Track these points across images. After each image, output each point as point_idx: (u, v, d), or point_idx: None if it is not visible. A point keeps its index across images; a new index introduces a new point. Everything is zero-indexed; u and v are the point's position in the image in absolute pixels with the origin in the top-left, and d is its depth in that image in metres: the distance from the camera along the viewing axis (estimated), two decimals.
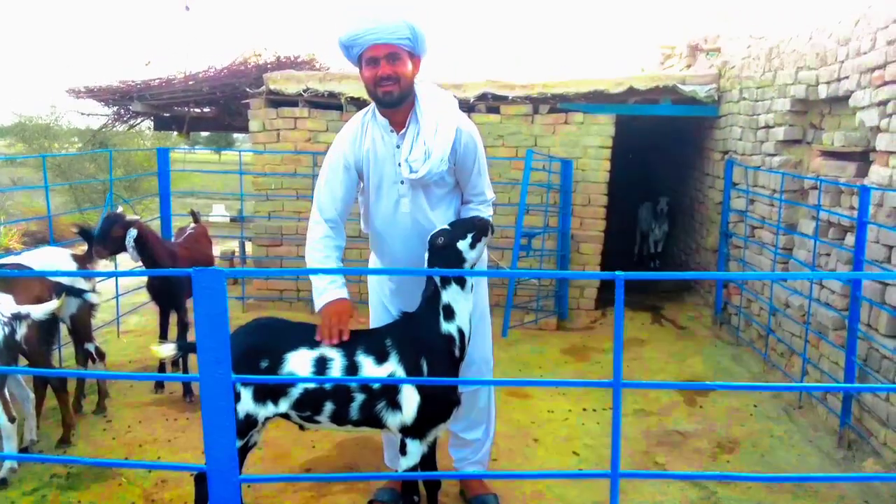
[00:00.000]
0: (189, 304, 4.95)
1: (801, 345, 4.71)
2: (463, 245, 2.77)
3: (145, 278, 5.01)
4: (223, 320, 1.51)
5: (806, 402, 4.55)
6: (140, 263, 4.51)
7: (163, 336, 4.81)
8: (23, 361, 3.80)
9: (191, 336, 4.94)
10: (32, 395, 3.90)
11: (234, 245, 9.51)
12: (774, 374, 5.08)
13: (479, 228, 2.81)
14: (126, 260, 4.82)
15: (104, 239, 4.22)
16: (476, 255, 2.82)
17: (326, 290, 2.83)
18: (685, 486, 3.58)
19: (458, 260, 2.77)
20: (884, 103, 3.89)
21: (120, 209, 4.57)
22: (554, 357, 5.68)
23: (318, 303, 2.84)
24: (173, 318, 4.82)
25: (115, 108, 8.94)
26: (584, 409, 4.55)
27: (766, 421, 4.40)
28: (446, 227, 2.83)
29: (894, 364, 3.67)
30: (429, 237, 2.81)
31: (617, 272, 1.52)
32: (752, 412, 4.53)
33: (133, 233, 4.28)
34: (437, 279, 2.76)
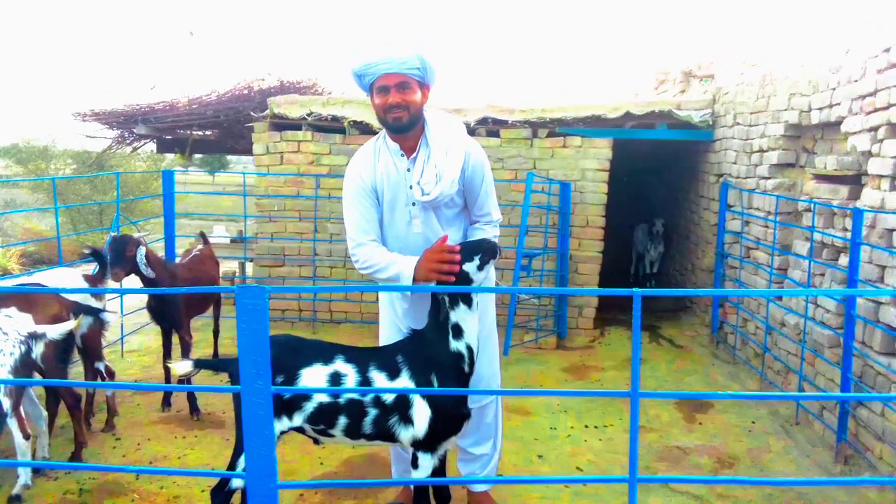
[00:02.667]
0: (195, 322, 5.03)
1: (797, 362, 4.83)
2: (470, 267, 2.87)
3: (145, 300, 5.06)
4: (264, 335, 1.61)
5: (803, 418, 4.65)
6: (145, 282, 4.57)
7: (167, 355, 4.88)
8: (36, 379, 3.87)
9: (193, 354, 5.01)
10: (45, 413, 3.97)
11: (234, 266, 9.59)
12: (771, 391, 5.18)
13: (486, 251, 2.91)
14: (129, 280, 4.88)
15: (120, 260, 4.27)
16: (483, 276, 2.93)
17: (401, 272, 2.89)
18: (688, 500, 3.66)
19: (466, 281, 2.87)
20: (875, 129, 4.04)
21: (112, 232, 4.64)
22: (554, 375, 5.77)
23: (407, 277, 2.89)
24: (177, 338, 4.88)
25: (119, 131, 9.06)
26: (586, 426, 4.64)
27: (764, 437, 4.50)
28: (456, 248, 2.92)
29: (888, 380, 3.78)
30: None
31: (635, 289, 1.63)
32: (751, 428, 4.63)
33: (142, 250, 4.38)
34: (447, 301, 2.85)
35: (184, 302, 4.80)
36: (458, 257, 2.83)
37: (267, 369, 1.61)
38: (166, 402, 4.84)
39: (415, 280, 2.88)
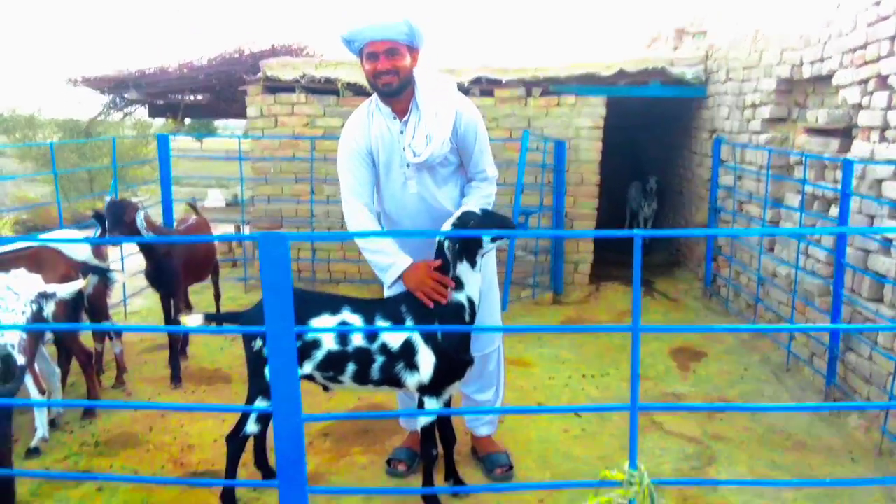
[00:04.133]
0: (195, 287, 5.04)
1: (788, 312, 4.97)
2: (485, 235, 2.95)
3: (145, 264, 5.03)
4: (287, 279, 1.70)
5: (793, 365, 4.80)
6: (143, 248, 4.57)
7: (167, 320, 4.91)
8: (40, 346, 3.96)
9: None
10: (58, 370, 4.07)
11: (230, 229, 9.64)
12: (763, 339, 5.33)
13: (505, 227, 2.99)
14: (129, 246, 4.87)
15: (119, 224, 4.21)
16: (493, 247, 3.05)
17: (393, 265, 3.00)
18: (682, 442, 3.81)
19: (476, 245, 2.96)
20: (865, 82, 4.11)
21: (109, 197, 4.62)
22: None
23: (390, 278, 3.01)
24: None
25: (111, 97, 9.02)
26: (584, 376, 4.77)
27: (757, 383, 4.65)
28: (478, 212, 3.01)
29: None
30: (461, 213, 2.99)
31: (635, 230, 1.73)
32: (743, 375, 4.78)
33: (142, 215, 4.30)
34: (450, 256, 2.94)
35: (182, 269, 4.79)
36: (450, 288, 2.94)
37: (290, 310, 1.71)
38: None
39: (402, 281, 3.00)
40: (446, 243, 2.93)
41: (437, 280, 2.93)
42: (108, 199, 4.47)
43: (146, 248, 4.54)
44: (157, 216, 6.31)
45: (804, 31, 4.92)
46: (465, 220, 2.96)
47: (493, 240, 2.97)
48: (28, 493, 3.25)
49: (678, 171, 8.28)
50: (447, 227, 2.99)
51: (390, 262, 3.02)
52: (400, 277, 3.01)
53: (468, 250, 2.95)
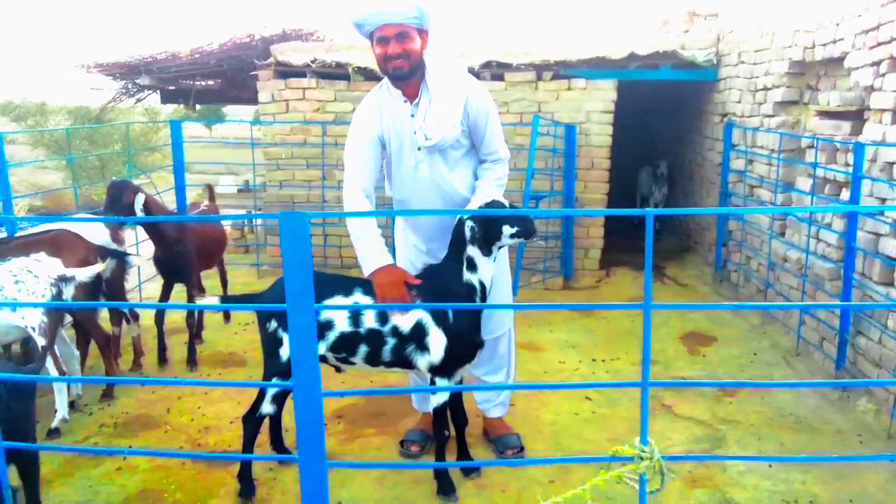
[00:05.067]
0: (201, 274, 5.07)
1: (798, 297, 4.97)
2: (507, 230, 2.99)
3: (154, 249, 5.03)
4: (307, 257, 1.74)
5: (803, 349, 4.82)
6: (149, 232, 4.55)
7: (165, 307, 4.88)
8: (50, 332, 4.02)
9: None
10: (77, 353, 4.14)
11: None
12: (773, 324, 5.34)
13: (528, 229, 3.02)
14: (140, 233, 4.88)
15: (115, 205, 4.18)
16: (510, 242, 3.07)
17: (374, 256, 3.01)
18: (691, 425, 3.85)
19: (494, 236, 3.00)
20: (877, 63, 4.10)
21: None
22: (562, 314, 5.92)
23: (367, 268, 3.03)
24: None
25: (123, 83, 9.07)
26: (594, 360, 4.81)
27: (766, 367, 4.68)
28: (507, 205, 3.05)
29: (887, 308, 3.93)
30: (490, 201, 3.02)
31: (648, 209, 1.76)
32: (752, 360, 4.80)
33: (141, 198, 4.23)
34: (469, 238, 2.97)
35: (195, 255, 4.77)
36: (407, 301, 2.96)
37: (310, 287, 1.75)
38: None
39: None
40: (468, 224, 2.96)
41: (401, 295, 2.95)
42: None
43: (157, 234, 4.51)
44: (171, 203, 6.37)
45: (816, 13, 4.89)
46: (492, 207, 3.00)
47: (512, 236, 3.00)
48: (50, 472, 3.32)
49: (689, 156, 8.27)
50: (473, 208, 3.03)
51: (372, 254, 3.02)
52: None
53: (486, 240, 2.98)
